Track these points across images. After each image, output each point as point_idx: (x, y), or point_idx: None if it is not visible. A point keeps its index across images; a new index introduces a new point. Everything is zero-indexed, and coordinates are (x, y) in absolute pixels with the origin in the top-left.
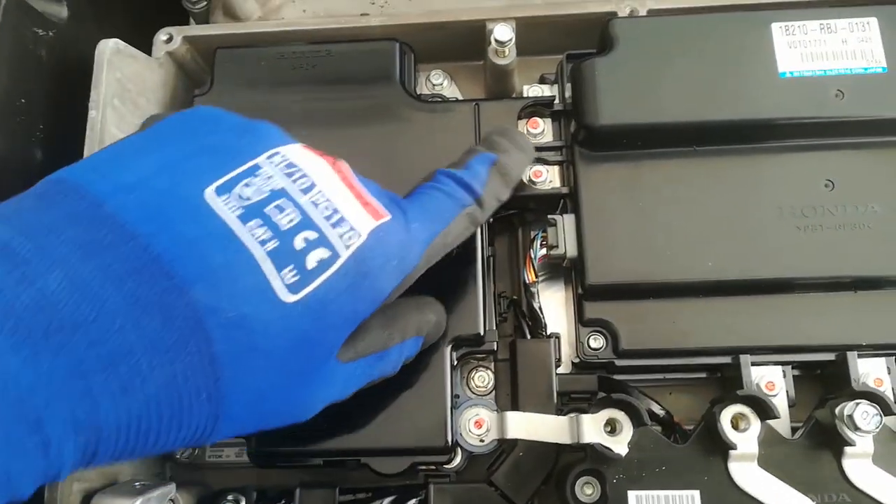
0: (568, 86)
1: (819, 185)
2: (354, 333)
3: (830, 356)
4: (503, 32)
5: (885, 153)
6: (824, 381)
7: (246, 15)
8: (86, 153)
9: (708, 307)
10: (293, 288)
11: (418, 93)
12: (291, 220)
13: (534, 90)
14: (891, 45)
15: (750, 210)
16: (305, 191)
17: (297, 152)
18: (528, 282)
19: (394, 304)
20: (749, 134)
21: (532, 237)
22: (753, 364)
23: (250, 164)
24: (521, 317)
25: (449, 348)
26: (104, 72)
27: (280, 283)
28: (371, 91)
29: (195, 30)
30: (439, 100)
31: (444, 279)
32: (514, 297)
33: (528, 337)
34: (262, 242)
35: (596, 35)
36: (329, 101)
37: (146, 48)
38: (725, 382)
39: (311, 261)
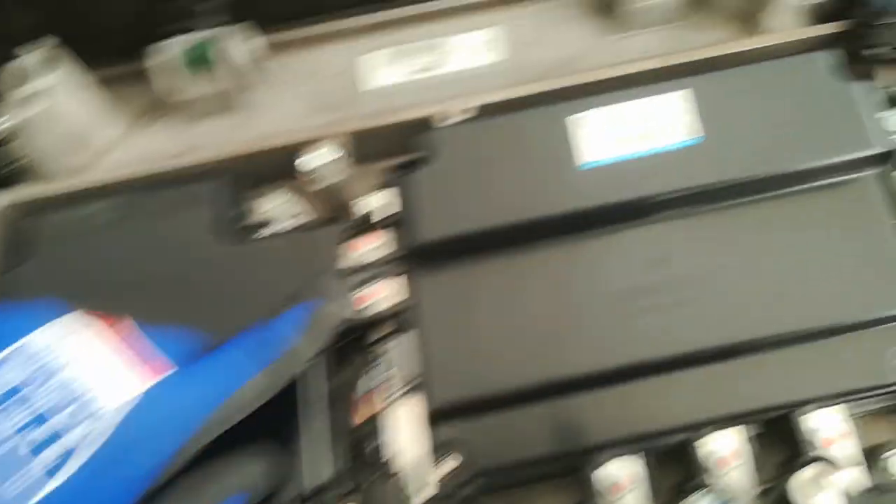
0: None
1: (654, 262)
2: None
3: (683, 436)
4: (310, 161)
5: (711, 221)
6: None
7: (59, 172)
8: None
9: (556, 408)
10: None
11: (254, 221)
12: (18, 422)
13: (373, 200)
14: (708, 113)
15: (587, 299)
16: (46, 378)
17: (44, 337)
18: (354, 426)
19: (203, 463)
20: (562, 227)
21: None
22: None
23: None
24: (359, 460)
25: None
26: None
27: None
28: (182, 238)
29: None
30: (259, 235)
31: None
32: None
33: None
34: None
35: None
36: (141, 257)
37: None
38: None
39: (39, 466)
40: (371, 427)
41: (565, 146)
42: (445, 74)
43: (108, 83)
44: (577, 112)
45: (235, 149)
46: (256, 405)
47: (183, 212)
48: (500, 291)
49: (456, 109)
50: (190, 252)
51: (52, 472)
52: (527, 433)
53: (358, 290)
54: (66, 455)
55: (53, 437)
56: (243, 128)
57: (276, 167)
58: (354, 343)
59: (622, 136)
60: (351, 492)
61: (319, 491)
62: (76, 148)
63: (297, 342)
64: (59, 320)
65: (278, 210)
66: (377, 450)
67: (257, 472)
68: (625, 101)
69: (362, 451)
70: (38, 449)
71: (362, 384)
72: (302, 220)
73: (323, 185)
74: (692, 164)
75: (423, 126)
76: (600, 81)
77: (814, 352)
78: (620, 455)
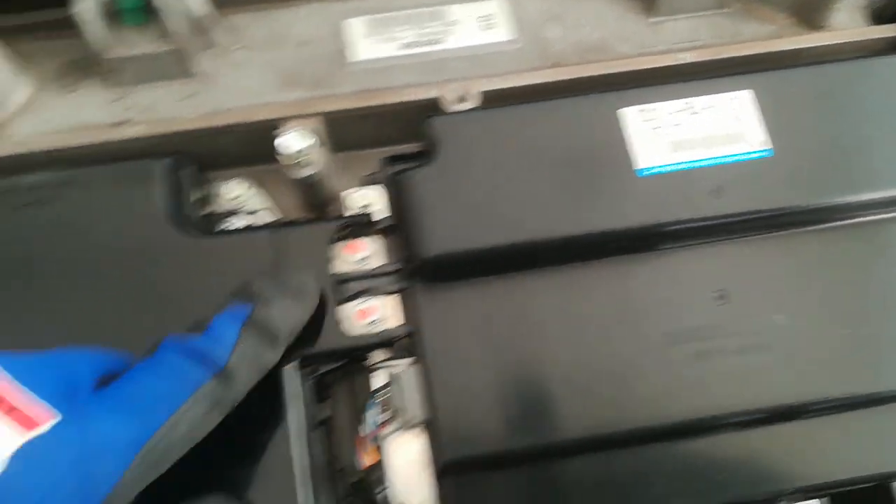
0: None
1: (708, 298)
2: None
3: None
4: (291, 142)
5: (780, 249)
6: None
7: None
8: None
9: (593, 467)
10: None
11: (213, 210)
12: None
13: (356, 197)
14: (774, 121)
15: (632, 340)
16: None
17: None
18: (361, 468)
19: None
20: (612, 247)
21: (364, 407)
22: None
23: None
24: None
25: None
26: None
27: None
28: (128, 228)
29: None
30: (234, 224)
31: (248, 469)
32: (356, 481)
33: None
34: None
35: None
36: (77, 246)
37: None
38: None
39: None
40: (378, 472)
41: (618, 146)
42: (447, 50)
43: (18, 34)
44: (630, 104)
45: (186, 124)
46: (199, 437)
47: (132, 192)
48: (524, 322)
49: (459, 93)
50: (143, 242)
51: None
52: (551, 497)
53: (356, 301)
54: None
55: None
56: (195, 98)
57: (236, 149)
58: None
59: (682, 139)
60: None
61: None
62: None
63: (231, 358)
64: None
65: (244, 199)
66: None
67: None
68: (683, 96)
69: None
70: None
71: (368, 419)
72: (270, 215)
73: (305, 173)
74: (761, 183)
75: (426, 111)
76: (633, 72)
77: None
78: None
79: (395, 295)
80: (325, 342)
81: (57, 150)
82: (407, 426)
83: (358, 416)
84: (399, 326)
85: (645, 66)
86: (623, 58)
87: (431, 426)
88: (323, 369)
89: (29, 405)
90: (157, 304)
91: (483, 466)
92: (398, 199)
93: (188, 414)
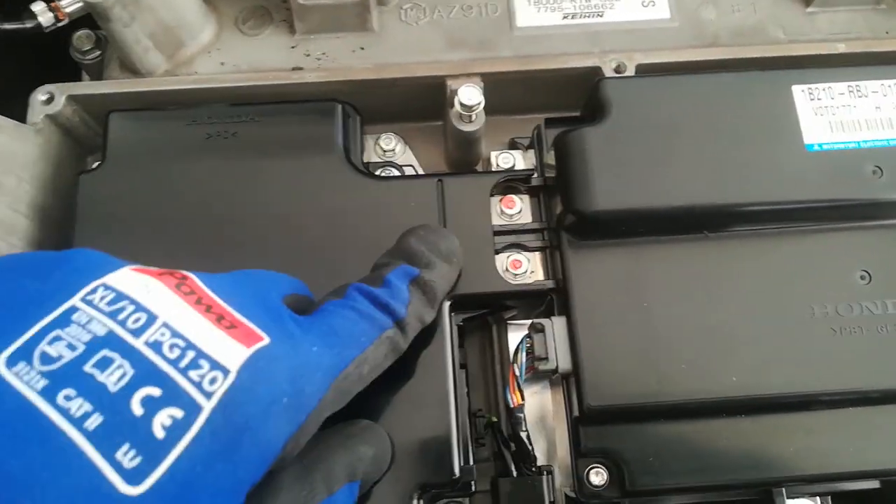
0: (549, 156)
1: (854, 278)
2: (258, 497)
3: (875, 484)
4: (470, 95)
5: None
6: None
7: (148, 69)
8: None
9: (732, 431)
10: (135, 475)
11: (366, 160)
12: (122, 377)
13: (504, 158)
14: None
15: (775, 311)
16: (140, 330)
17: (125, 279)
18: (512, 406)
19: (311, 446)
20: (770, 218)
21: (516, 348)
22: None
23: (59, 311)
24: (504, 446)
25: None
26: None
27: (115, 473)
28: (306, 165)
29: (83, 87)
30: (393, 173)
31: (403, 403)
32: (494, 420)
33: (513, 472)
34: (80, 420)
35: (576, 91)
36: (253, 178)
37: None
38: None
39: (159, 428)
40: (515, 420)
41: (789, 121)
42: (606, 23)
43: None
44: (803, 82)
45: (357, 74)
46: (372, 377)
47: (315, 128)
48: (675, 283)
49: (617, 64)
50: (321, 177)
51: (169, 442)
52: (693, 456)
53: (506, 254)
54: (189, 416)
55: (171, 395)
56: (367, 51)
57: (396, 104)
58: (493, 317)
59: (848, 120)
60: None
61: (467, 474)
62: (170, 44)
63: (406, 312)
64: (126, 267)
65: (398, 153)
66: (527, 439)
67: (368, 455)
68: (852, 80)
69: (516, 436)
70: (151, 410)
71: (517, 364)
72: (416, 170)
73: (475, 126)
74: None
75: (583, 79)
76: (788, 58)
77: None
78: (799, 497)
79: (543, 251)
80: (481, 286)
81: (236, 88)
82: (551, 374)
83: (490, 367)
84: (546, 280)
85: (800, 53)
86: (777, 43)
87: (574, 376)
88: (470, 314)
89: (247, 323)
90: (331, 233)
91: (620, 419)
92: (563, 157)
93: (374, 353)
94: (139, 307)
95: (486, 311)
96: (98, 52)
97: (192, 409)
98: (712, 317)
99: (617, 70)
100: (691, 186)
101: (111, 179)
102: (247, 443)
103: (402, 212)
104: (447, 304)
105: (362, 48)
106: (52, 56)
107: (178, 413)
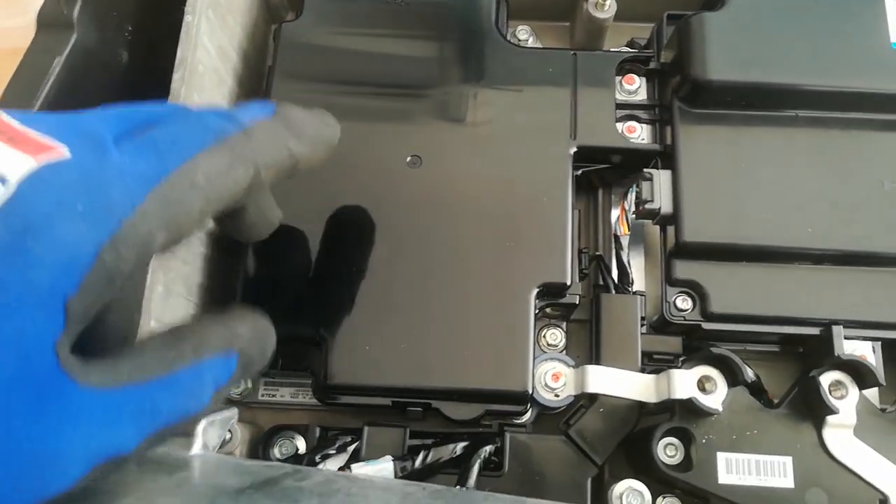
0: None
1: None
2: (118, 350)
3: None
4: None
5: None
6: None
7: None
8: (178, 59)
9: (802, 276)
10: None
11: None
12: None
13: (625, 48)
14: None
15: (852, 181)
16: None
17: None
18: (619, 234)
19: (187, 321)
20: (853, 104)
21: (626, 191)
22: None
23: None
24: (606, 272)
25: (533, 294)
26: None
27: None
28: (467, 34)
29: None
30: (536, 48)
31: (532, 224)
32: (598, 253)
33: (613, 293)
34: None
35: (691, 1)
36: (422, 42)
37: None
38: (807, 357)
39: None
40: (619, 246)
41: (879, 18)
42: None
43: None
44: None
45: None
46: (226, 190)
47: (473, 7)
48: (767, 151)
49: None
50: (478, 42)
51: None
52: (766, 293)
53: (624, 123)
54: None
55: None
56: None
57: (531, 1)
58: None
59: None
60: (574, 305)
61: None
62: None
63: (257, 126)
64: None
65: (529, 42)
66: (624, 266)
67: (245, 335)
68: None
69: (619, 260)
70: None
71: (628, 202)
72: None
73: (608, 14)
74: None
75: None
76: None
77: None
78: (854, 339)
79: (653, 124)
80: (601, 140)
81: None
82: (653, 217)
83: (590, 222)
84: (656, 143)
85: None
86: None
87: (673, 217)
88: (587, 167)
89: (39, 137)
90: (475, 93)
91: (709, 255)
92: (684, 36)
93: (207, 160)
94: None
95: (595, 167)
96: None
97: None
98: (797, 180)
99: None
100: (790, 69)
101: (305, 32)
102: (32, 244)
103: (542, 78)
104: (572, 152)
105: None
106: None
107: None
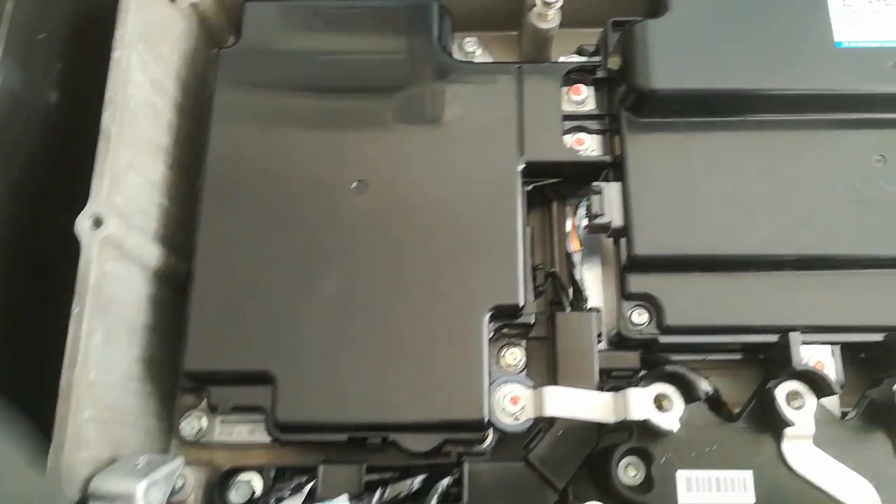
0: (613, 60)
1: (871, 160)
2: None
3: (879, 337)
4: None
5: None
6: (869, 364)
7: None
8: (107, 97)
9: (757, 283)
10: None
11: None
12: None
13: (572, 60)
14: None
15: (802, 184)
16: None
17: None
18: (571, 251)
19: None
20: (802, 105)
21: (576, 205)
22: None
23: None
24: (561, 289)
25: (486, 318)
26: (131, 12)
27: None
28: (408, 50)
29: None
30: (480, 63)
31: (481, 246)
32: (553, 270)
33: (569, 310)
34: None
35: (636, 6)
36: (364, 64)
37: None
38: (768, 364)
39: None
40: (571, 264)
41: (822, 18)
42: None
43: None
44: None
45: None
46: None
47: (415, 21)
48: (716, 158)
49: None
50: (419, 60)
51: None
52: (722, 302)
53: (572, 135)
54: None
55: None
56: None
57: (480, 10)
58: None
59: (874, 22)
60: (530, 325)
61: (504, 312)
62: None
63: None
64: None
65: (477, 56)
66: (578, 284)
67: None
68: None
69: (571, 277)
70: None
71: (578, 218)
72: None
73: (552, 24)
74: None
75: None
76: None
77: None
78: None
79: (602, 134)
80: (550, 155)
81: None
82: (604, 230)
83: (546, 234)
84: (606, 154)
85: None
86: None
87: (624, 231)
88: (536, 182)
89: None
90: (419, 108)
91: (661, 268)
92: (629, 44)
93: None
94: None
95: (547, 181)
96: None
97: None
98: (747, 186)
99: None
100: (735, 73)
101: (245, 56)
102: None
103: (486, 93)
104: (521, 168)
105: None
106: None
107: None
